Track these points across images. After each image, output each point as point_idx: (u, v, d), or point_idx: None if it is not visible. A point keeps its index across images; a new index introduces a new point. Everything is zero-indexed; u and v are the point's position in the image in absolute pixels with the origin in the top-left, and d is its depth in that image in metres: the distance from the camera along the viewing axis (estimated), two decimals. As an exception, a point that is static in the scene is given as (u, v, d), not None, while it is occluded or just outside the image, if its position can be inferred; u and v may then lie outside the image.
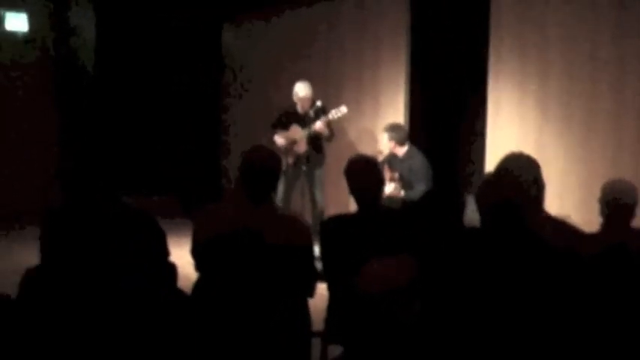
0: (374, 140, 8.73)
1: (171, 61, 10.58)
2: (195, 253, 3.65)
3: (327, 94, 8.36)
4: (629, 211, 3.72)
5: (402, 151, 7.30)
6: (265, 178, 3.61)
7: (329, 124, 7.75)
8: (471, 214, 3.49)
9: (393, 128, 7.46)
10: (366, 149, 8.51)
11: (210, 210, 3.78)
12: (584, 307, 3.04)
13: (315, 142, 7.86)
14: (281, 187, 7.72)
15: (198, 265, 3.64)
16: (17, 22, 9.36)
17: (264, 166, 3.63)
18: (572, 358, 2.95)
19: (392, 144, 7.33)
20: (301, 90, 7.83)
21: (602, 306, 3.29)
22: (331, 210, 7.29)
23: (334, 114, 7.68)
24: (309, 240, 3.65)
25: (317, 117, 7.74)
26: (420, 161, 7.23)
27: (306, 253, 3.63)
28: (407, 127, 7.78)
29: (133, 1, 10.15)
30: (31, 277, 3.31)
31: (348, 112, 7.95)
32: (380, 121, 8.68)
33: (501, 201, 3.07)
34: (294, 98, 7.88)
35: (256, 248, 3.49)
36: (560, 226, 3.65)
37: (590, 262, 3.33)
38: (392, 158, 7.33)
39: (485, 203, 3.17)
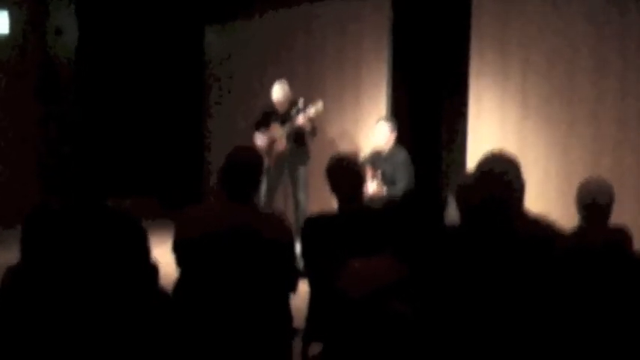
0: (356, 139, 8.75)
1: (153, 61, 10.57)
2: (177, 249, 3.65)
3: (309, 93, 8.38)
4: (606, 210, 3.76)
5: (388, 146, 7.28)
6: (247, 176, 3.63)
7: (310, 120, 7.75)
8: (452, 213, 3.51)
9: (390, 119, 7.44)
10: (347, 148, 8.53)
11: (192, 210, 3.79)
12: (568, 300, 3.07)
13: (296, 138, 7.86)
14: (263, 187, 7.72)
15: (180, 261, 3.64)
16: (-2, 24, 9.32)
17: (247, 163, 3.66)
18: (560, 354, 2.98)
19: (393, 135, 7.28)
20: (275, 92, 7.86)
21: (583, 297, 3.32)
22: (314, 209, 7.30)
23: (310, 109, 7.69)
24: (290, 236, 3.69)
25: (298, 114, 7.75)
26: (403, 157, 7.23)
27: (287, 248, 3.65)
28: None
29: (115, 2, 10.12)
30: (10, 277, 3.31)
31: (330, 111, 7.98)
32: (361, 121, 8.70)
33: (483, 198, 3.10)
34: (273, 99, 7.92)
35: (239, 241, 3.50)
36: (540, 223, 3.68)
37: (570, 256, 3.37)
38: (375, 156, 7.32)
39: (466, 201, 3.20)
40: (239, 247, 3.51)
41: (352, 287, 3.10)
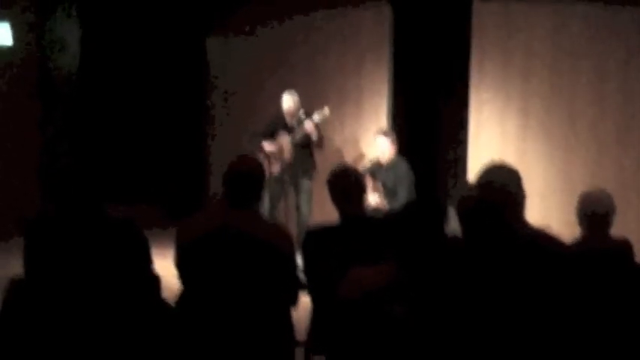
0: (357, 149, 8.76)
1: (155, 71, 10.58)
2: (179, 260, 3.66)
3: (310, 103, 8.40)
4: (607, 220, 3.77)
5: (388, 158, 7.28)
6: (249, 183, 3.64)
7: (317, 126, 7.75)
8: (455, 226, 3.53)
9: (390, 132, 7.43)
10: (349, 158, 8.55)
11: (193, 218, 3.80)
12: (570, 306, 3.08)
13: (302, 149, 7.85)
14: (266, 197, 7.72)
15: (182, 274, 3.65)
16: (1, 35, 9.32)
17: (248, 170, 3.67)
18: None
19: (393, 148, 7.28)
20: (286, 102, 7.86)
21: (585, 306, 3.33)
22: (317, 220, 7.30)
23: (317, 116, 7.68)
24: (291, 245, 3.69)
25: (303, 122, 7.74)
26: (404, 169, 7.22)
27: (287, 256, 3.66)
28: None
29: (117, 13, 10.14)
30: (14, 288, 3.32)
31: (332, 122, 7.98)
32: (362, 131, 8.72)
33: (484, 208, 3.11)
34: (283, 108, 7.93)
35: (239, 245, 3.52)
36: (541, 234, 3.68)
37: (571, 262, 3.38)
38: (375, 168, 7.32)
39: (467, 211, 3.21)
40: (235, 248, 3.51)
41: (350, 290, 3.11)
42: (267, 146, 7.87)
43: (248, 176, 3.64)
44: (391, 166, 7.25)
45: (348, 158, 8.63)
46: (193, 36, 10.58)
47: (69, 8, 9.69)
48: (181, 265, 3.64)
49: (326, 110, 7.70)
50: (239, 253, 3.51)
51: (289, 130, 7.85)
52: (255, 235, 3.55)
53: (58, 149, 9.60)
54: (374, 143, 7.45)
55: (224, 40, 10.35)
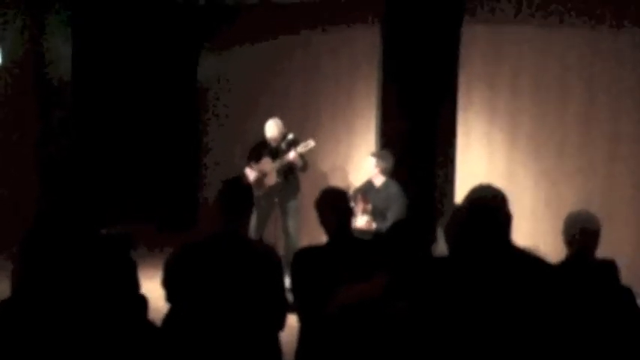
0: (347, 171, 8.78)
1: (148, 87, 10.60)
2: (170, 273, 3.67)
3: (303, 123, 8.44)
4: (595, 240, 3.79)
5: (380, 180, 7.30)
6: (243, 192, 3.73)
7: (301, 156, 7.80)
8: (443, 247, 3.54)
9: (382, 156, 7.41)
10: (339, 180, 8.56)
11: (183, 242, 3.83)
12: (557, 322, 3.09)
13: (286, 173, 7.89)
14: (254, 220, 7.73)
15: (171, 289, 3.66)
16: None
17: (240, 186, 3.78)
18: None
19: (376, 170, 7.29)
20: (268, 130, 7.91)
21: (571, 322, 3.34)
22: (306, 241, 7.30)
23: (302, 147, 7.74)
24: (279, 258, 3.76)
25: (288, 149, 7.79)
26: (396, 192, 7.22)
27: (278, 267, 3.70)
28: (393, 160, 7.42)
29: (110, 28, 10.16)
30: (1, 309, 3.30)
31: (323, 143, 8.00)
32: (354, 152, 8.74)
33: (472, 226, 3.12)
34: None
35: (235, 249, 3.57)
36: (528, 255, 3.70)
37: (559, 280, 3.40)
38: (368, 188, 7.33)
39: (455, 230, 3.22)
40: (231, 253, 3.56)
41: (341, 300, 3.13)
42: (249, 173, 7.91)
43: (242, 186, 3.80)
44: (383, 188, 7.26)
45: (339, 180, 8.64)
46: (187, 50, 10.62)
47: (61, 19, 9.69)
48: (172, 279, 3.65)
49: (310, 142, 7.77)
50: (235, 257, 3.57)
51: (273, 154, 7.89)
52: (249, 242, 3.66)
53: (51, 167, 9.57)
54: (362, 165, 7.49)
55: (218, 54, 10.38)
